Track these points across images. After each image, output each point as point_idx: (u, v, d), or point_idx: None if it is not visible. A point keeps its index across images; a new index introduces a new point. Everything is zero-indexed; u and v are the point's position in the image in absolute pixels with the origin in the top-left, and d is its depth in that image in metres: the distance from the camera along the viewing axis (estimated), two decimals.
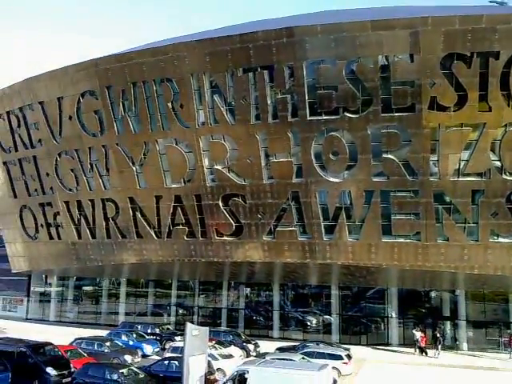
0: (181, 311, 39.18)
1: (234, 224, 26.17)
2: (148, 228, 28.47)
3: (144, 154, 27.36)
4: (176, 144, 26.46)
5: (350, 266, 25.62)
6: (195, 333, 19.03)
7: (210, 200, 26.25)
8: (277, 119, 23.93)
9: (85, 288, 43.71)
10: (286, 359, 20.66)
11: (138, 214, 28.61)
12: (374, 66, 22.26)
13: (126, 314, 39.56)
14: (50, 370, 20.07)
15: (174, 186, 27.05)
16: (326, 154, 23.68)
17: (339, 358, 23.43)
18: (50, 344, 22.34)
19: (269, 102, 23.82)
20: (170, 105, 25.72)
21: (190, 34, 29.76)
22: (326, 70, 22.84)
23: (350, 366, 23.57)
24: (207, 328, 21.10)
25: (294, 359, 21.22)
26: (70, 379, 20.11)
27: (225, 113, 24.68)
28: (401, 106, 22.25)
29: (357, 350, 27.42)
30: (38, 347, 21.55)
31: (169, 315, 39.09)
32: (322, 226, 24.60)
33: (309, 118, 23.32)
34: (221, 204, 26.07)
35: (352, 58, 22.63)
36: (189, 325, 19.10)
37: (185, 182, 26.80)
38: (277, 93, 23.62)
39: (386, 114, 22.46)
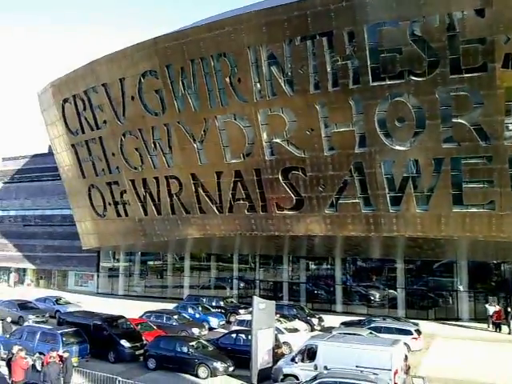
0: (242, 285, 39.85)
1: (294, 197, 25.80)
2: (210, 203, 28.77)
3: (204, 131, 27.41)
4: (234, 119, 26.27)
5: (417, 238, 24.57)
6: (262, 306, 19.11)
7: (270, 174, 26.00)
8: (337, 87, 23.03)
9: (150, 263, 45.46)
10: (354, 334, 20.35)
11: (200, 190, 28.94)
12: (441, 25, 20.72)
13: (190, 287, 40.79)
14: (124, 342, 20.99)
15: (233, 161, 27.00)
16: (390, 121, 22.58)
17: (408, 333, 22.83)
18: (123, 317, 23.32)
19: (328, 69, 22.93)
20: (227, 80, 25.45)
21: (246, 6, 29.24)
22: (389, 33, 21.55)
23: (420, 342, 22.94)
24: (273, 302, 21.20)
25: (362, 334, 20.87)
26: (142, 351, 20.95)
27: (283, 84, 24.09)
28: (471, 66, 20.64)
29: (424, 325, 26.64)
30: (112, 320, 22.56)
31: (231, 288, 39.88)
32: (388, 198, 23.68)
33: (371, 84, 22.24)
34: (280, 178, 25.75)
35: (416, 18, 21.18)
36: (255, 298, 19.21)
37: (244, 157, 26.66)
38: (337, 60, 22.64)
39: (455, 76, 20.95)
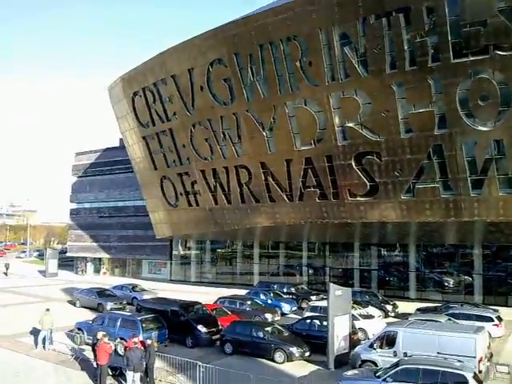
0: (311, 272, 39.70)
1: (368, 183, 24.99)
2: (280, 192, 28.55)
3: (273, 118, 27.11)
4: (305, 104, 25.77)
5: (499, 222, 23.13)
6: (338, 293, 18.82)
7: (342, 160, 25.31)
8: (415, 66, 21.85)
9: (219, 250, 46.30)
10: (432, 321, 19.59)
11: (270, 179, 28.79)
12: None
13: (260, 274, 41.13)
14: (200, 327, 21.36)
15: (304, 148, 26.54)
16: (473, 100, 21.18)
17: (489, 319, 21.91)
18: (199, 303, 23.76)
19: (405, 47, 21.78)
20: (297, 64, 24.92)
21: None
22: (472, 4, 20.12)
23: (501, 329, 22.11)
24: (350, 289, 20.80)
25: (440, 321, 20.11)
26: (218, 336, 21.25)
27: (356, 65, 23.22)
28: None
29: (503, 312, 25.29)
30: (188, 306, 23.03)
31: (300, 275, 39.81)
32: (469, 181, 22.33)
33: (453, 61, 20.88)
34: (354, 163, 24.99)
35: None
36: (332, 285, 18.91)
37: (315, 144, 26.12)
38: (414, 36, 21.51)
39: None
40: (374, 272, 36.47)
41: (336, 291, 18.75)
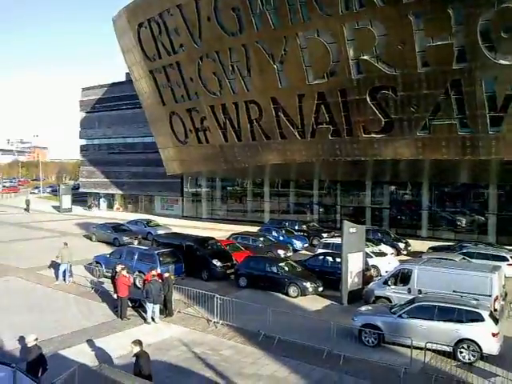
0: (322, 210, 40.00)
1: (383, 120, 24.41)
2: (291, 128, 28.09)
3: (284, 50, 26.09)
4: (318, 36, 24.66)
5: None
6: (352, 230, 19.01)
7: (356, 95, 24.60)
8: None
9: (230, 188, 46.63)
10: (446, 259, 19.83)
11: (281, 115, 28.22)
12: None
13: (271, 211, 41.53)
14: (215, 261, 21.92)
15: (316, 82, 25.72)
16: (495, 32, 20.10)
17: (504, 259, 21.97)
18: (213, 238, 24.24)
19: None
20: None
21: None
22: None
23: None
24: (364, 226, 21.00)
25: (455, 259, 20.31)
26: (232, 270, 21.83)
27: None
28: None
29: None
30: (203, 241, 23.52)
31: (311, 213, 40.12)
32: (488, 118, 21.70)
33: None
34: (368, 98, 24.28)
35: None
36: (346, 222, 19.08)
37: (328, 77, 25.26)
38: None
39: None
40: (386, 210, 36.63)
41: (350, 228, 18.95)
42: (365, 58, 23.59)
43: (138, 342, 9.85)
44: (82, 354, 12.95)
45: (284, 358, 13.11)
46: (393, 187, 37.56)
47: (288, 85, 27.06)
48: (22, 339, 13.22)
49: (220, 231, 34.00)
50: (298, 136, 28.04)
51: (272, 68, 27.00)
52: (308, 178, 39.92)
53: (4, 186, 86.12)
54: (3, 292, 19.56)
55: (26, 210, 53.04)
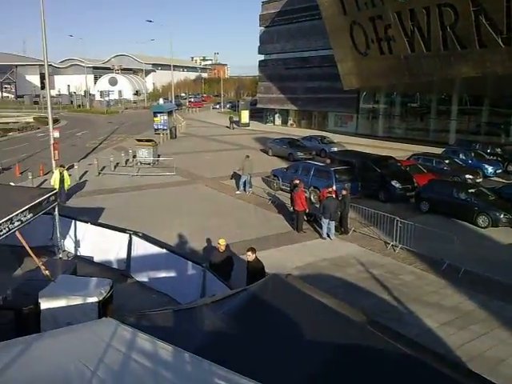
0: None
1: None
2: (494, 34, 24.17)
3: None
4: None
5: None
6: None
7: None
8: None
9: (411, 104, 43.18)
10: None
11: (482, 19, 24.33)
12: None
13: (457, 131, 37.57)
14: (394, 182, 20.73)
15: None
16: None
17: None
18: (392, 158, 22.85)
19: None
20: None
21: None
22: None
23: None
24: None
25: None
26: (412, 193, 20.44)
27: None
28: None
29: None
30: (381, 160, 22.34)
31: (507, 135, 35.17)
32: None
33: None
34: None
35: None
36: None
37: None
38: None
39: None
40: None
41: None
42: None
43: (252, 249, 10.38)
44: (264, 261, 13.58)
45: (470, 292, 11.95)
46: None
47: None
48: (209, 241, 14.41)
49: (398, 151, 32.08)
50: (501, 43, 24.12)
51: None
52: (508, 94, 34.53)
53: (190, 101, 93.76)
54: (194, 198, 21.58)
55: (230, 126, 52.67)
